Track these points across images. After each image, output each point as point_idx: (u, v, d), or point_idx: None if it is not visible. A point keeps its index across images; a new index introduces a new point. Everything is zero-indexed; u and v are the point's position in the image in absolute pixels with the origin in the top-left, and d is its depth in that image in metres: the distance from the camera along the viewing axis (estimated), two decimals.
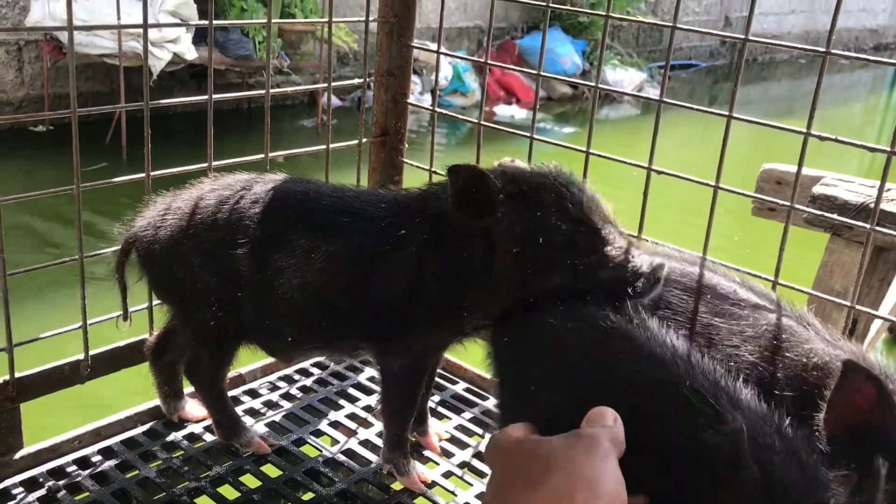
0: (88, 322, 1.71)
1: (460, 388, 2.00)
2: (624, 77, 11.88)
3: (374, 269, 1.46)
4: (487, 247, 1.38)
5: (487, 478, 1.02)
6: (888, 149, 1.40)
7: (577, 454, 0.96)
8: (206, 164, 1.76)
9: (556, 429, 1.04)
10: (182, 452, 1.68)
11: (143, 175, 1.69)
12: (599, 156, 1.76)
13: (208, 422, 1.76)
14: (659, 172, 1.67)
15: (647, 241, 1.67)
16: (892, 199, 2.64)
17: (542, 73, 1.84)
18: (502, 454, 1.02)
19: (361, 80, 2.08)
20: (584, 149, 1.76)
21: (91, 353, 1.74)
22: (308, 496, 1.58)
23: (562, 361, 1.27)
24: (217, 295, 1.54)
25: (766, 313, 1.37)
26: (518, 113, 10.55)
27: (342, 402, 1.90)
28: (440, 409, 1.90)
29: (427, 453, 1.74)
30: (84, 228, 1.66)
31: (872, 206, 1.49)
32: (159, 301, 1.75)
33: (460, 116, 2.21)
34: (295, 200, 1.55)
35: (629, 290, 1.32)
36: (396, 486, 1.63)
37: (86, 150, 1.68)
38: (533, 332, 1.35)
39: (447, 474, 1.68)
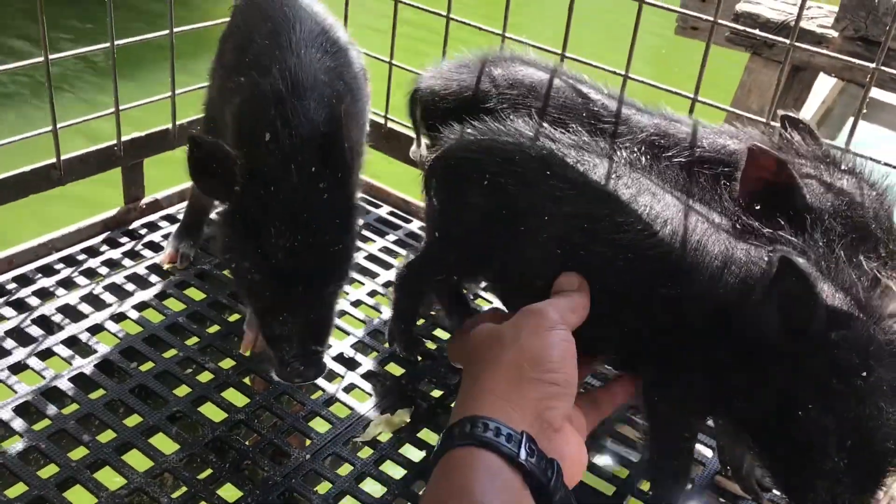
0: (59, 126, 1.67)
1: (384, 211, 2.00)
2: None
3: None
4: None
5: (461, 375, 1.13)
6: None
7: (524, 331, 1.02)
8: None
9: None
10: (101, 278, 1.65)
11: None
12: None
13: (125, 248, 1.74)
14: None
15: (573, 58, 1.65)
16: (812, 17, 2.65)
17: None
18: (467, 348, 1.09)
19: None
20: None
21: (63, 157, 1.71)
22: (234, 318, 1.60)
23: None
24: None
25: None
26: None
27: None
28: (365, 232, 1.90)
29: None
30: None
31: (793, 23, 1.49)
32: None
33: None
34: None
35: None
36: None
37: None
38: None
39: (372, 293, 1.71)
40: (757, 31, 1.63)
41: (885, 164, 1.41)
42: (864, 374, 0.97)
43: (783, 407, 1.02)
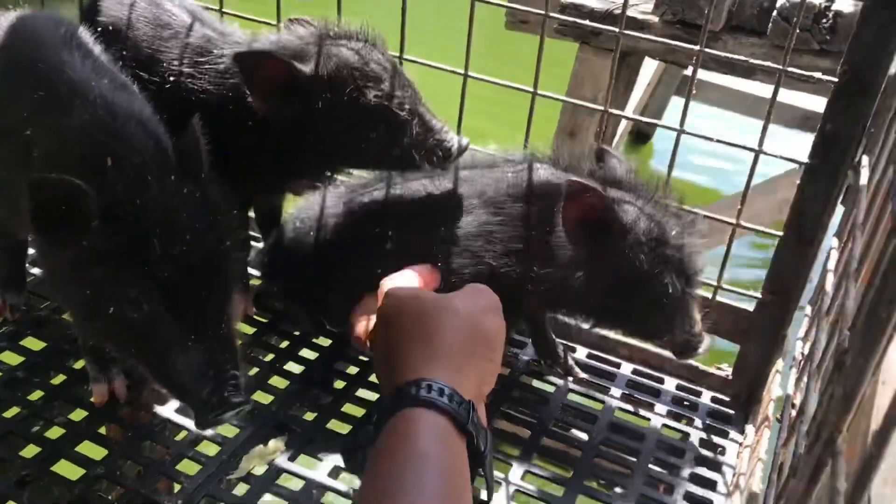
0: None
1: None
2: None
3: None
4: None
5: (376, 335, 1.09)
6: None
7: (477, 309, 1.08)
8: None
9: None
10: None
11: None
12: None
13: None
14: None
15: (412, 60, 1.63)
16: (633, 4, 2.77)
17: None
18: (400, 309, 1.07)
19: None
20: None
21: None
22: (80, 364, 1.48)
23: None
24: None
25: None
26: None
27: None
28: None
29: None
30: None
31: (618, 12, 1.54)
32: None
33: None
34: None
35: None
36: None
37: None
38: None
39: None
40: (586, 22, 1.68)
41: (718, 141, 1.49)
42: (658, 240, 1.31)
43: (620, 287, 1.33)
